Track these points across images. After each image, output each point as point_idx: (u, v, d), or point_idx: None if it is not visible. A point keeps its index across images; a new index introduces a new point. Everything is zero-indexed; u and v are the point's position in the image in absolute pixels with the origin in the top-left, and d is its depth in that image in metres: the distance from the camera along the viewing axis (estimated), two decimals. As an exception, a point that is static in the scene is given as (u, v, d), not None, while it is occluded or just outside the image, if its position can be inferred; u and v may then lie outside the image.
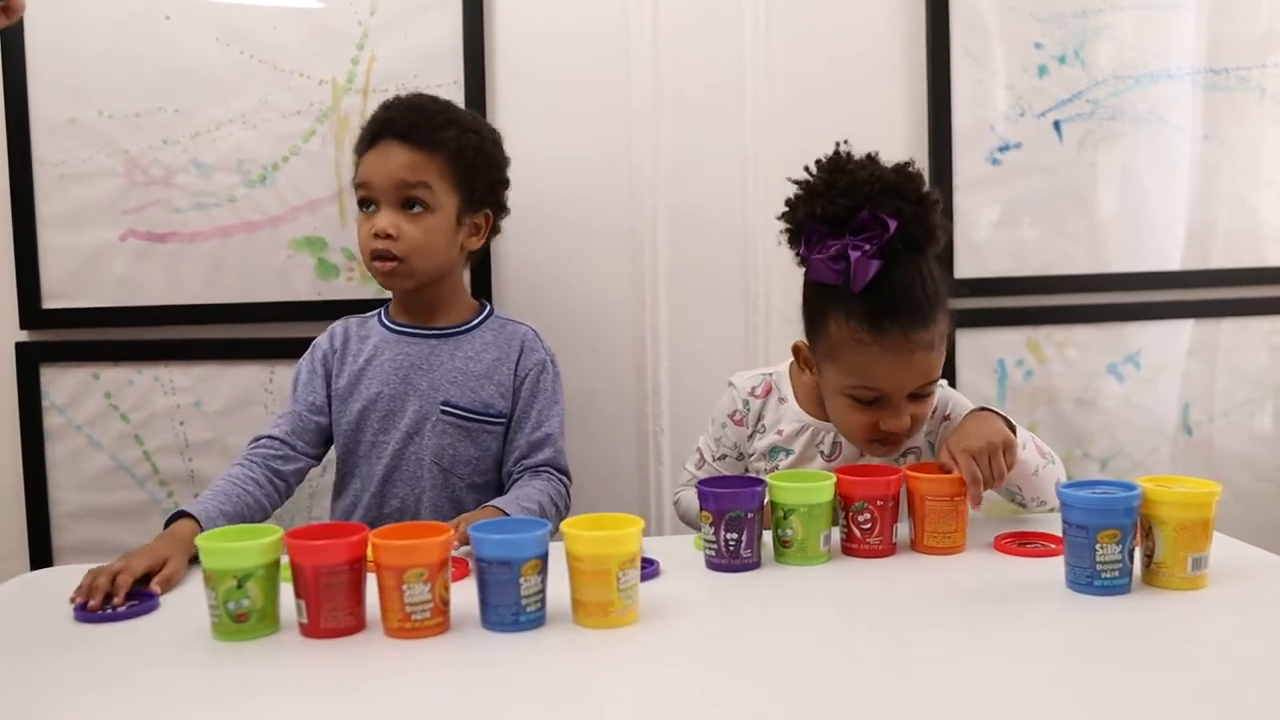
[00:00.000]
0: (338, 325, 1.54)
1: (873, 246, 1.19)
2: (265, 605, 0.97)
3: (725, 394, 1.44)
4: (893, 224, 1.19)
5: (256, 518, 1.34)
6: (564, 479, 1.49)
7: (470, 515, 1.28)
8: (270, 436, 1.44)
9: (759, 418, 1.41)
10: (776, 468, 1.37)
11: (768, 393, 1.41)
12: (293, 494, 1.45)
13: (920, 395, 1.26)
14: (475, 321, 1.53)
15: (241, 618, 0.96)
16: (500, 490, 1.48)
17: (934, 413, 1.35)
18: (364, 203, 1.46)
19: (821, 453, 1.36)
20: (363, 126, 1.50)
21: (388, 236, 1.41)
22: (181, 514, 1.23)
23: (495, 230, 1.55)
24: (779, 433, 1.38)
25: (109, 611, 1.05)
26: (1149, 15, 1.84)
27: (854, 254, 1.19)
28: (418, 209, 1.43)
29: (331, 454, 1.52)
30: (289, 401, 1.50)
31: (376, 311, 1.55)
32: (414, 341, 1.49)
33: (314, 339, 1.53)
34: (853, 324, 1.22)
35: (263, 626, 0.97)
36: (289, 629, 0.98)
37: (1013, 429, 1.25)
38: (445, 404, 1.46)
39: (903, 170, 1.23)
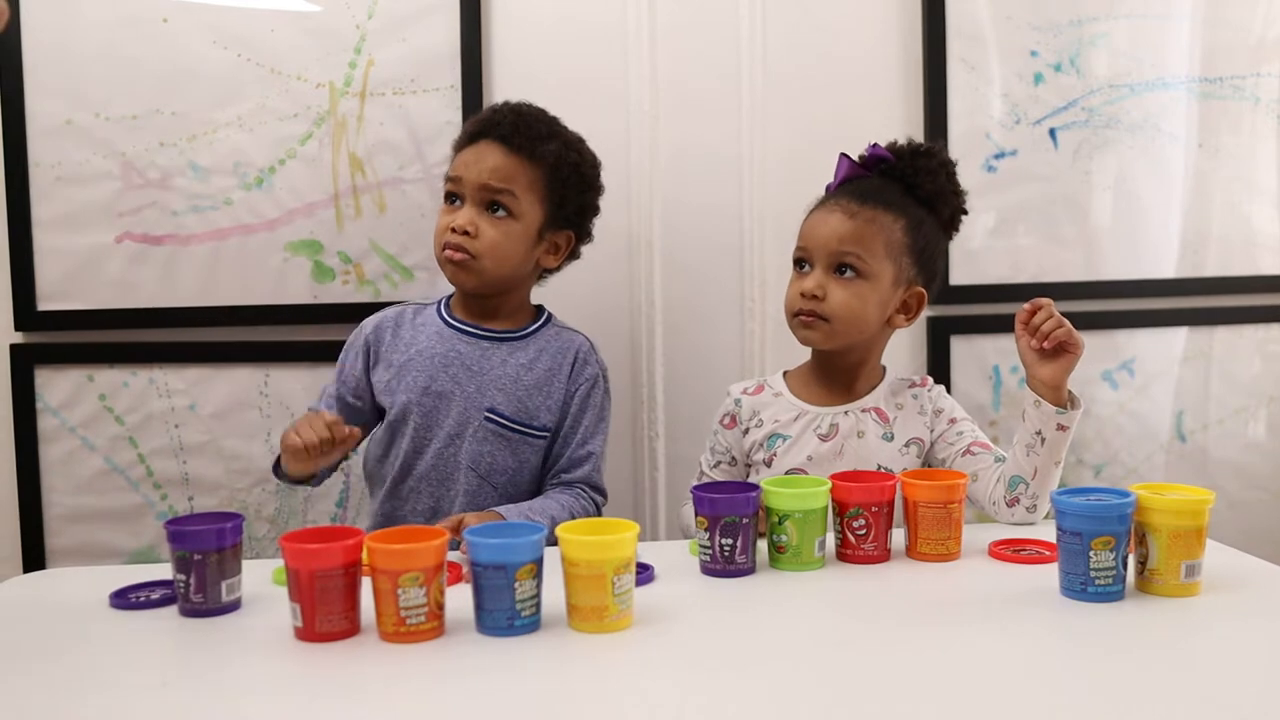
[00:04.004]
0: (390, 312, 1.51)
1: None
2: None
3: (722, 403, 1.48)
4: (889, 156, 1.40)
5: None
6: (597, 497, 1.48)
7: (474, 515, 1.28)
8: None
9: (753, 413, 1.44)
10: (775, 455, 1.40)
11: (759, 391, 1.46)
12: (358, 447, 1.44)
13: (840, 270, 1.36)
14: (532, 327, 1.50)
15: None
16: None
17: (939, 413, 1.41)
18: (450, 196, 1.45)
19: (818, 435, 1.40)
20: (466, 122, 1.52)
21: (465, 233, 1.40)
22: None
23: (574, 255, 1.54)
24: (776, 421, 1.42)
25: (142, 600, 1.08)
26: (1144, 24, 1.85)
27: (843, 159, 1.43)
28: (500, 212, 1.42)
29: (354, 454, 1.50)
30: (332, 384, 1.49)
31: (436, 302, 1.52)
32: (467, 340, 1.46)
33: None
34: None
35: None
36: (284, 632, 0.98)
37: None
38: (490, 410, 1.44)
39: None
